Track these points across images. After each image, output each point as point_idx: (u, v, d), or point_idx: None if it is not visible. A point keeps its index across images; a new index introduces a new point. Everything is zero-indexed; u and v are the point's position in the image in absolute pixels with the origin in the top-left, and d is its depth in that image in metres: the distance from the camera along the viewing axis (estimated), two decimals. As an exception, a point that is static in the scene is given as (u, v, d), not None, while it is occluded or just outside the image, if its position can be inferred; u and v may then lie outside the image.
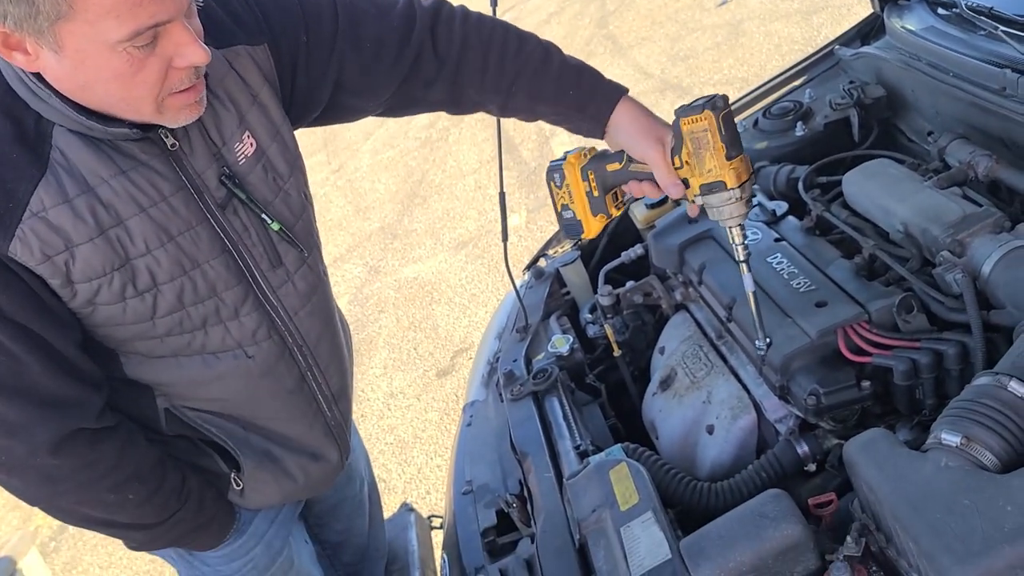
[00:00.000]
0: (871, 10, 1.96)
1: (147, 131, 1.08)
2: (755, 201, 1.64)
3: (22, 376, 1.08)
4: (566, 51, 1.34)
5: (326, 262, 1.41)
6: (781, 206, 1.60)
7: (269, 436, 1.34)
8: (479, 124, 6.39)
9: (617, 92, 1.29)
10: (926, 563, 0.83)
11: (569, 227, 1.34)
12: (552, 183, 1.32)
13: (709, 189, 1.18)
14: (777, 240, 1.49)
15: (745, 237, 1.22)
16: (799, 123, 1.84)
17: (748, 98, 2.11)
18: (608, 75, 1.33)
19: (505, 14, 8.35)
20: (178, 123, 1.08)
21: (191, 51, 1.00)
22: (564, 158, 1.31)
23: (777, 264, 1.42)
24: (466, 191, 5.42)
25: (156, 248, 1.11)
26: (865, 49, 1.85)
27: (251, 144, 1.20)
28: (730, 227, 1.21)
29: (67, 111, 1.02)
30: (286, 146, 1.25)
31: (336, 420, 1.42)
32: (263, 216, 1.21)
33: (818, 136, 1.81)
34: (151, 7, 0.93)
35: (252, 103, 1.20)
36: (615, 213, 1.32)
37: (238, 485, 1.34)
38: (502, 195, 1.74)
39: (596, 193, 1.29)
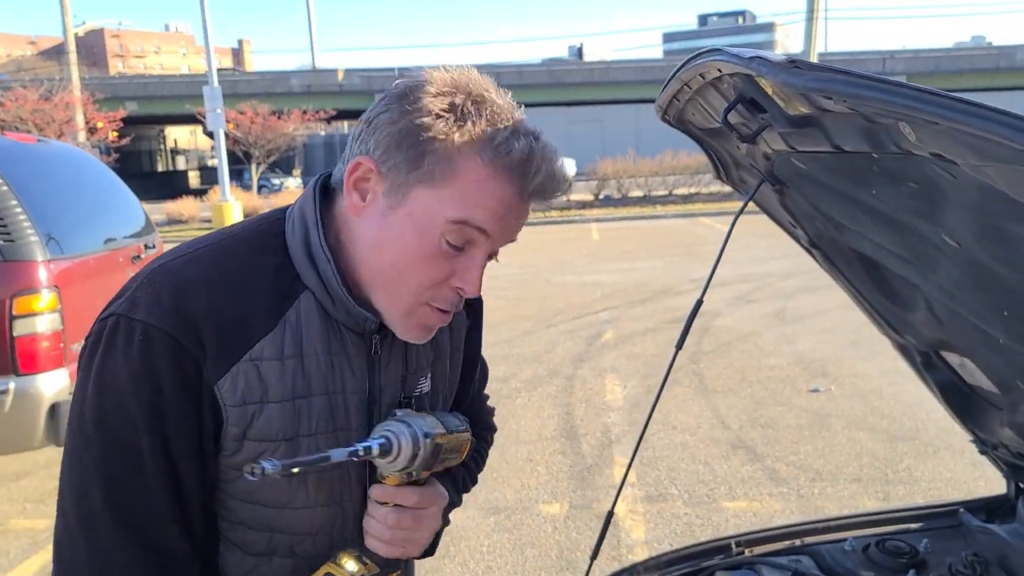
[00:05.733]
0: (1002, 487, 2.00)
1: (379, 327, 1.16)
2: None
3: (142, 511, 1.06)
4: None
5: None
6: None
7: None
8: (549, 400, 6.53)
9: None
10: None
11: None
12: None
13: None
14: None
15: None
16: (912, 569, 1.82)
17: (849, 520, 2.09)
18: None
19: (607, 324, 8.76)
20: (407, 336, 1.15)
21: (471, 276, 1.09)
22: None
23: None
24: (516, 459, 5.40)
25: (322, 433, 1.14)
26: (994, 528, 1.87)
27: (427, 385, 1.29)
28: None
29: (333, 279, 1.10)
30: (447, 402, 1.37)
31: None
32: None
33: (932, 596, 1.78)
34: (486, 216, 1.05)
35: (446, 355, 1.33)
36: None
37: None
38: (608, 520, 1.74)
39: None
